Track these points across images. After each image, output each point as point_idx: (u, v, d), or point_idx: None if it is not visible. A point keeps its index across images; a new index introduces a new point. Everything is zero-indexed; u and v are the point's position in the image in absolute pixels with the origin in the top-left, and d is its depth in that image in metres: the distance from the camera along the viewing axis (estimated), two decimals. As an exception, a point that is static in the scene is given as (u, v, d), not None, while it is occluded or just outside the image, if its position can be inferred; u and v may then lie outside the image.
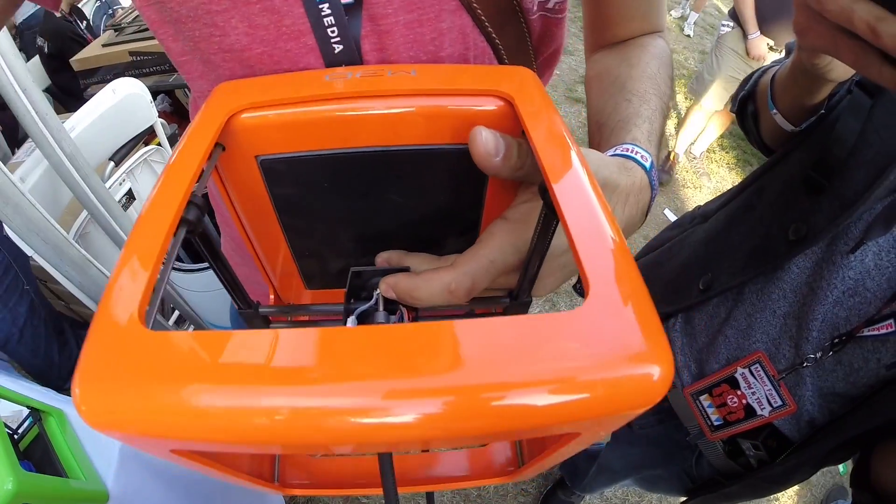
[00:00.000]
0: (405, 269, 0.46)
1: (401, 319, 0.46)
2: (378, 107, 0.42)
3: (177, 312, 2.31)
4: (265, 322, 0.54)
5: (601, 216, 0.31)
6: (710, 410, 0.95)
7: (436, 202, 0.49)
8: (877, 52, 0.42)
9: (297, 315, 0.58)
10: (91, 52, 2.75)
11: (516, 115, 0.41)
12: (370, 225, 0.51)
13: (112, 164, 1.87)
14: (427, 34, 0.54)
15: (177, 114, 3.15)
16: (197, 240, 0.39)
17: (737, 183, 1.06)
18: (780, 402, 0.85)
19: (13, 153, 2.39)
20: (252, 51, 0.53)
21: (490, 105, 0.42)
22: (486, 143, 0.38)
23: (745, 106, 0.99)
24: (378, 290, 0.46)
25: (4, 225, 1.37)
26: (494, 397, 0.23)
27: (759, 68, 0.98)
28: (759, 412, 0.88)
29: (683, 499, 1.17)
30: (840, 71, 0.71)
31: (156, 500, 1.22)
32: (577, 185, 0.33)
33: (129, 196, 1.94)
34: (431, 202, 0.49)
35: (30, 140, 2.21)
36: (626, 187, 0.49)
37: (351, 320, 0.46)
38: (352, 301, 0.49)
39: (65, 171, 1.48)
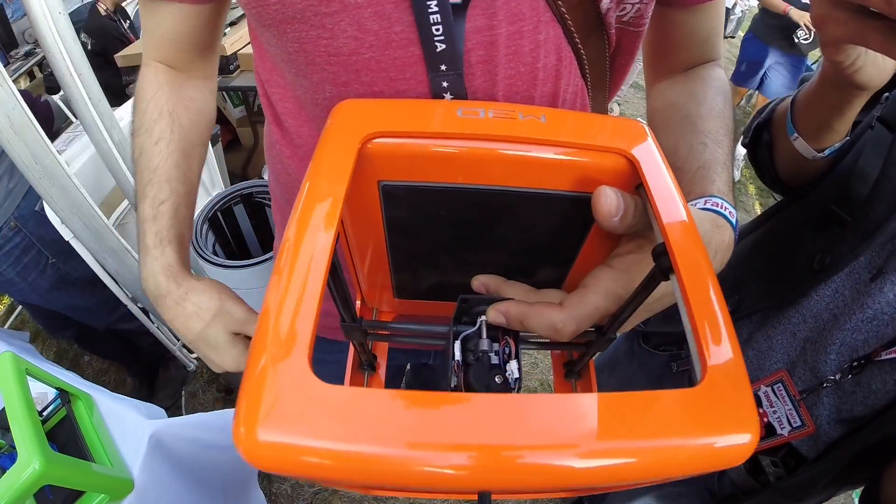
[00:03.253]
0: (510, 300, 0.48)
1: (505, 348, 0.49)
2: (508, 151, 0.43)
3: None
4: (363, 335, 0.55)
5: (716, 295, 0.35)
6: None
7: (539, 239, 0.51)
8: None
9: (399, 332, 0.61)
10: (136, 50, 2.77)
11: (636, 172, 0.43)
12: (472, 251, 0.53)
13: (154, 157, 1.84)
14: (526, 46, 0.55)
15: (212, 117, 3.17)
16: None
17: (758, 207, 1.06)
18: (799, 423, 0.85)
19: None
20: (360, 55, 0.53)
21: (611, 162, 0.44)
22: (610, 205, 0.41)
23: (760, 135, 0.97)
24: (483, 318, 0.48)
25: (46, 204, 1.37)
26: (629, 454, 0.29)
27: (775, 99, 0.96)
28: (779, 431, 0.88)
29: None
30: (869, 71, 0.68)
31: (177, 494, 1.19)
32: (696, 254, 0.37)
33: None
34: (535, 238, 0.51)
35: (67, 131, 2.23)
36: (716, 246, 0.52)
37: (457, 345, 0.49)
38: (456, 325, 0.51)
39: (111, 159, 1.46)
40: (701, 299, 0.35)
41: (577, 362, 0.58)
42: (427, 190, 0.45)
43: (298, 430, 0.27)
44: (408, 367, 1.62)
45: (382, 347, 0.64)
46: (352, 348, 0.59)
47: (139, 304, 1.81)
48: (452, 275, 0.56)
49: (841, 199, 0.82)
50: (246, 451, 0.27)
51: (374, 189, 0.45)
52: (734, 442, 0.30)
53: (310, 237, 0.35)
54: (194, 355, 2.26)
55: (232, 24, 2.74)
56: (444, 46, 0.52)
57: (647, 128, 0.47)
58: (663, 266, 0.38)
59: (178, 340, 2.12)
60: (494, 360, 0.47)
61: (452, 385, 0.46)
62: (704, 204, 0.56)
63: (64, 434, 1.06)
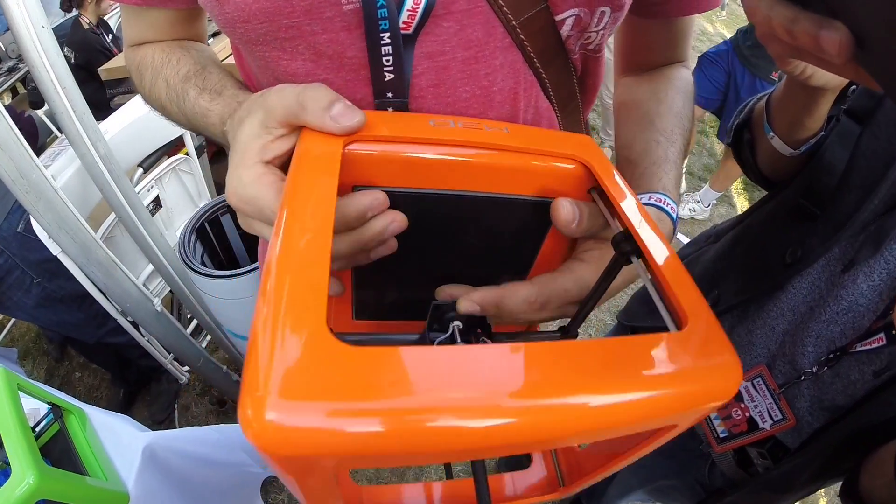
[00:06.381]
0: None
1: None
2: (476, 156, 0.47)
3: (194, 322, 2.29)
4: None
5: (677, 258, 0.41)
6: (716, 422, 0.96)
7: (501, 244, 0.55)
8: None
9: (370, 343, 0.60)
10: (120, 62, 2.76)
11: (589, 177, 0.49)
12: (436, 261, 0.55)
13: (141, 170, 1.85)
14: (481, 70, 0.57)
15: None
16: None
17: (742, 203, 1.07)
18: (780, 416, 0.85)
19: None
20: (316, 76, 0.56)
21: (569, 167, 0.49)
22: (568, 214, 0.47)
23: (741, 135, 0.99)
24: (455, 323, 0.49)
25: (34, 220, 1.37)
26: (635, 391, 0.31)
27: (755, 96, 0.98)
28: (761, 425, 0.88)
29: None
30: (823, 76, 0.70)
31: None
32: (654, 235, 0.42)
33: (156, 203, 1.92)
34: (498, 244, 0.54)
35: (53, 146, 2.23)
36: None
37: None
38: (428, 333, 0.51)
39: (97, 172, 1.45)
40: (669, 266, 0.40)
41: None
42: (399, 195, 0.46)
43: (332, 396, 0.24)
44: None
45: None
46: None
47: (129, 318, 1.80)
48: (415, 289, 0.57)
49: (809, 192, 0.84)
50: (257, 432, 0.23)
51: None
52: (723, 376, 0.33)
53: (303, 231, 0.33)
54: (186, 368, 2.25)
55: (215, 34, 2.74)
56: (392, 76, 0.54)
57: (593, 141, 0.52)
58: (624, 250, 0.44)
59: (170, 353, 2.11)
60: None
61: None
62: (649, 199, 0.62)
63: (57, 449, 1.05)
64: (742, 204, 3.94)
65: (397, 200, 0.46)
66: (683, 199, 3.68)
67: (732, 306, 0.94)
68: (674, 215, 0.62)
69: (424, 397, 0.25)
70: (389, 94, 0.55)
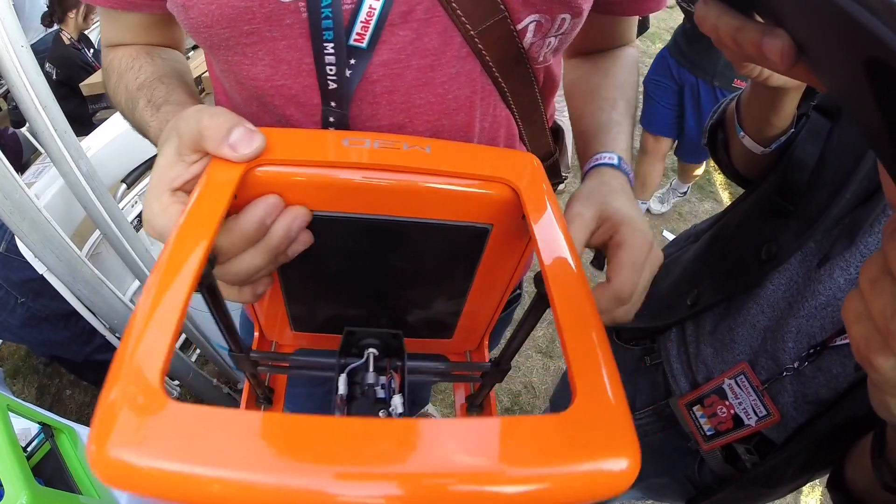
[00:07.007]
0: (397, 332, 0.49)
1: (390, 382, 0.48)
2: (391, 181, 0.44)
3: (183, 336, 2.28)
4: (252, 365, 0.55)
5: (593, 317, 0.36)
6: (702, 420, 0.96)
7: (432, 269, 0.53)
8: None
9: (288, 363, 0.59)
10: (101, 78, 2.76)
11: (520, 202, 0.45)
12: (366, 282, 0.54)
13: (124, 186, 1.85)
14: (437, 78, 0.57)
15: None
16: (204, 292, 0.41)
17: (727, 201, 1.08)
18: (764, 412, 0.86)
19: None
20: (275, 81, 0.57)
21: (496, 191, 0.46)
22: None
23: (716, 134, 1.01)
24: (369, 350, 0.49)
25: (18, 240, 1.37)
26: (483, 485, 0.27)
27: (728, 97, 1.00)
28: (746, 422, 0.89)
29: None
30: (780, 77, 0.71)
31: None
32: (572, 285, 0.38)
33: (141, 219, 1.92)
34: (428, 269, 0.53)
35: (36, 163, 2.23)
36: (618, 186, 0.63)
37: (342, 378, 0.48)
38: (344, 358, 0.51)
39: (80, 190, 1.45)
40: (575, 326, 0.35)
41: (476, 395, 0.59)
42: (316, 219, 0.45)
43: (144, 449, 0.25)
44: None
45: (281, 382, 0.63)
46: (247, 382, 0.58)
47: (117, 335, 1.80)
48: (349, 307, 0.57)
49: (782, 189, 0.85)
50: (96, 468, 0.25)
51: None
52: (606, 469, 0.28)
53: (179, 256, 0.34)
54: (176, 382, 2.24)
55: (195, 47, 2.74)
56: (335, 86, 0.55)
57: (536, 161, 0.49)
58: (542, 293, 0.40)
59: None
60: (381, 393, 0.47)
61: None
62: (595, 161, 0.67)
63: (49, 468, 1.06)
64: (728, 199, 3.97)
65: (316, 224, 0.46)
66: (664, 195, 3.68)
67: (713, 304, 0.95)
68: (623, 165, 0.66)
69: (218, 470, 0.26)
70: (333, 104, 0.56)
